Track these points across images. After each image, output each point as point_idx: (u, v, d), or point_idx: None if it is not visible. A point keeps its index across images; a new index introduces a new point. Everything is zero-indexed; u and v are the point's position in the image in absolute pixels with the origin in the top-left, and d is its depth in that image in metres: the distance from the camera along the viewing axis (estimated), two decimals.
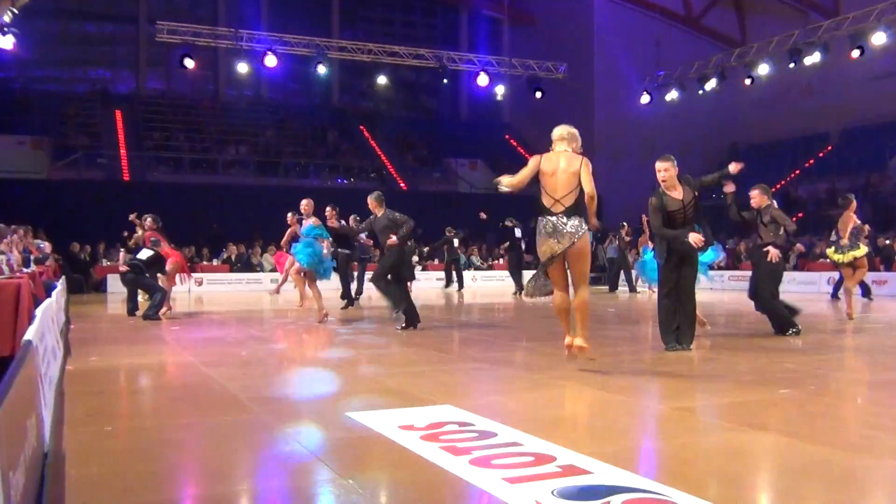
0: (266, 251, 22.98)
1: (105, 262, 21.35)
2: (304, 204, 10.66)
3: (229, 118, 31.56)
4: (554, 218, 5.66)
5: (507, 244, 19.28)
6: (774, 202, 9.04)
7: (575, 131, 5.98)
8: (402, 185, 29.61)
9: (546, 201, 5.68)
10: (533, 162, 5.78)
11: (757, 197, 8.99)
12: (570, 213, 5.63)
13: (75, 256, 21.13)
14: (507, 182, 5.85)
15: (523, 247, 18.91)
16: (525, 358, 7.11)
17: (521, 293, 17.99)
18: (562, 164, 5.70)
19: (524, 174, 5.79)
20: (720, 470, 3.45)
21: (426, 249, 20.97)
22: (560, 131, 5.95)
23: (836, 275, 16.41)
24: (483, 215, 19.00)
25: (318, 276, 10.51)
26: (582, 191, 5.65)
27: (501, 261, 23.47)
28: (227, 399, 5.12)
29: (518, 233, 18.58)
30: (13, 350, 5.82)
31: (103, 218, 21.29)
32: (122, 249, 14.90)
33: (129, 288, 12.40)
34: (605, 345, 7.57)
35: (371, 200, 9.82)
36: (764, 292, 8.67)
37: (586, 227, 5.67)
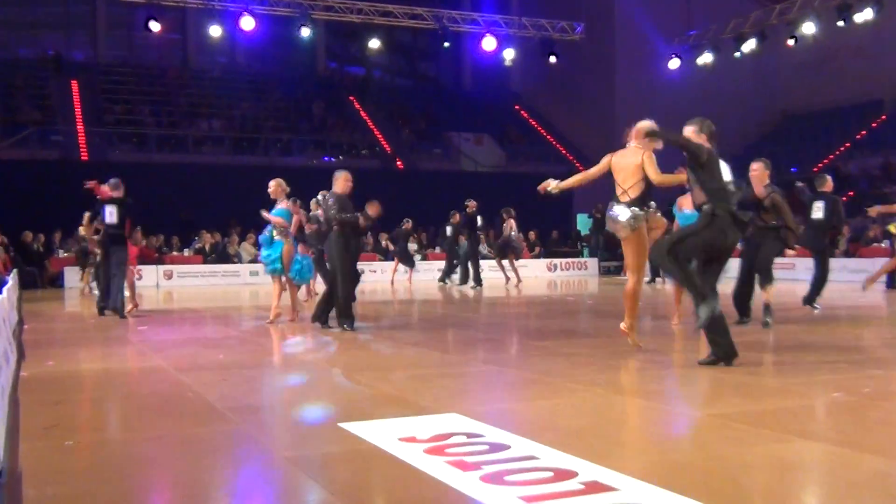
0: (244, 240, 22.98)
1: (62, 253, 21.38)
2: (273, 186, 10.39)
3: (200, 89, 31.50)
4: (617, 205, 6.91)
5: (466, 231, 18.97)
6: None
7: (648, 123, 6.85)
8: (398, 163, 29.61)
9: (616, 191, 6.95)
10: (605, 159, 7.05)
11: (758, 171, 9.10)
12: (633, 203, 6.84)
13: (28, 247, 21.16)
14: (558, 184, 7.18)
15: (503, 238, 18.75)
16: (540, 360, 7.12)
17: (479, 286, 17.97)
18: (628, 157, 6.93)
19: (590, 172, 7.19)
20: (765, 486, 3.44)
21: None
22: (638, 126, 6.95)
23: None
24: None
25: (295, 279, 10.49)
26: (648, 183, 6.83)
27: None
28: (203, 408, 5.13)
29: (479, 221, 18.44)
30: None
31: (59, 203, 21.27)
32: (80, 229, 14.48)
33: (103, 264, 11.98)
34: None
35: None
36: (766, 267, 9.09)
37: (643, 218, 6.86)
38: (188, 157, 26.77)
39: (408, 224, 20.55)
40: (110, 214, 11.65)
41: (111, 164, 25.37)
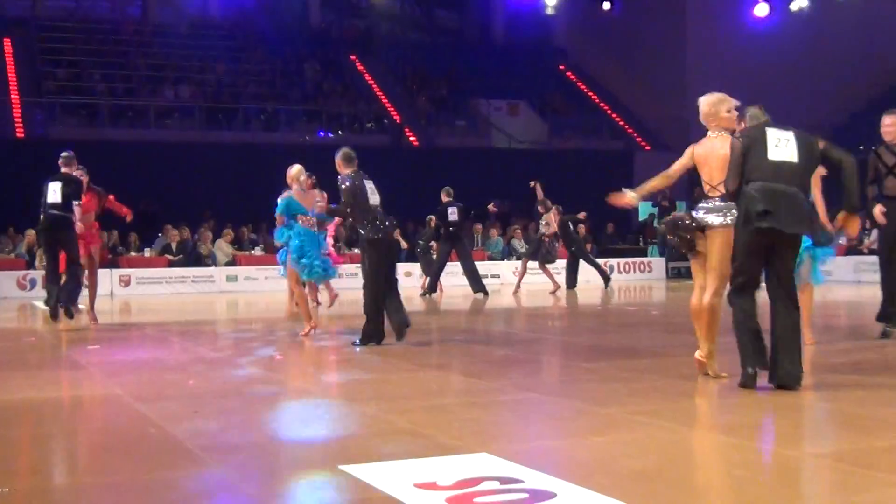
0: (221, 236, 23.04)
1: None
2: (294, 174, 10.65)
3: (164, 48, 31.63)
4: (706, 204, 6.82)
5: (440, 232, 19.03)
6: None
7: (713, 98, 6.93)
8: (411, 139, 29.63)
9: (704, 188, 6.93)
10: (687, 152, 7.01)
11: (893, 126, 9.06)
12: (724, 198, 6.71)
13: None
14: (635, 194, 7.17)
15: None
16: (592, 385, 7.10)
17: (430, 294, 18.59)
18: (715, 147, 6.83)
19: (671, 170, 7.07)
20: None
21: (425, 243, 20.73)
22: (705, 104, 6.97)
23: None
24: (492, 208, 18.94)
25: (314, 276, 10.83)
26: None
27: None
28: (169, 447, 5.15)
29: (453, 214, 18.21)
30: None
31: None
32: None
33: (50, 258, 12.11)
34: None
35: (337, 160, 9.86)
36: None
37: (732, 217, 6.60)
38: (149, 134, 26.91)
39: (433, 222, 20.31)
40: (53, 192, 11.75)
41: (53, 142, 25.32)
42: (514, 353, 9.34)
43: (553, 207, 19.12)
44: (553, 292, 18.72)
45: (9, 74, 28.56)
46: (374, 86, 32.07)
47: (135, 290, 21.41)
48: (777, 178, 6.29)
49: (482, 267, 22.00)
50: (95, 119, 27.63)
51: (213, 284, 22.01)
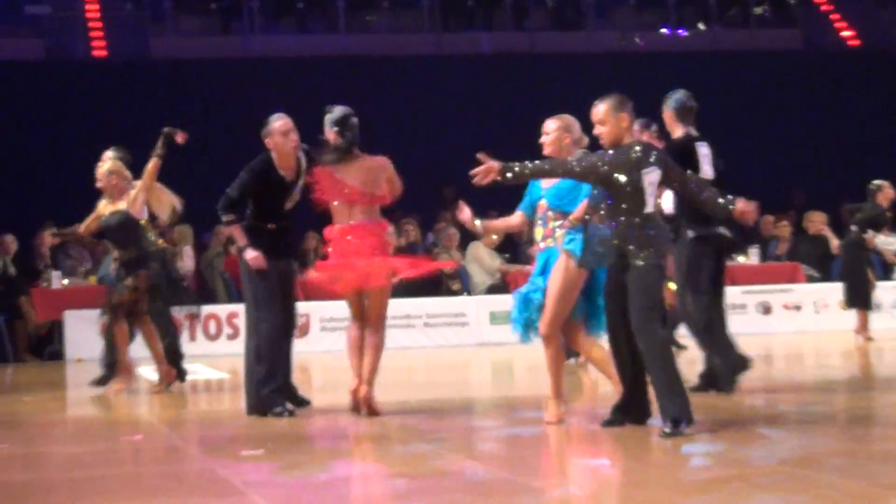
0: (475, 237, 22.90)
1: (58, 279, 22.08)
2: (554, 130, 11.93)
3: None
4: None
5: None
6: None
7: None
8: (843, 34, 29.24)
9: None
10: None
11: None
12: None
13: None
14: None
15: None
16: None
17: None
18: None
19: None
20: None
21: None
22: None
23: None
24: None
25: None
26: None
27: None
28: None
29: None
30: None
31: (51, 156, 22.23)
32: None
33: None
34: None
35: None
36: None
37: None
38: (335, 43, 27.92)
39: (889, 190, 20.55)
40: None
41: (159, 63, 26.48)
42: None
43: None
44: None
45: None
46: None
47: (317, 344, 21.65)
48: None
49: None
50: (232, 21, 28.81)
51: (464, 330, 22.06)
